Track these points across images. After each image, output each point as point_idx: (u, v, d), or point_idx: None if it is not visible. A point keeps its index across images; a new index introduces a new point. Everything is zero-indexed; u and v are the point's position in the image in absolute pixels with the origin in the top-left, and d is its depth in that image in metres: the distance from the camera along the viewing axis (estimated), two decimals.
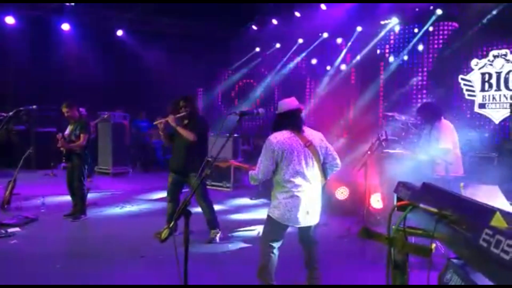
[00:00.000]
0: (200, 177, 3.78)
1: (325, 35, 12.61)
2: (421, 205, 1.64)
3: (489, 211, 1.37)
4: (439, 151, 5.65)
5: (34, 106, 6.99)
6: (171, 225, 2.79)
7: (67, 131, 6.97)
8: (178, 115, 5.75)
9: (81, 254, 5.32)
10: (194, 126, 5.71)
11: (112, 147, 11.50)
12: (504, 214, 1.35)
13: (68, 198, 7.17)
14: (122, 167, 11.80)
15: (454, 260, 2.16)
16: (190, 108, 5.81)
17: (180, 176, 5.90)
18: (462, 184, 2.42)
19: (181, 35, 13.30)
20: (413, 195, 1.96)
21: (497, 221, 1.32)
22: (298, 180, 3.78)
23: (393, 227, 1.77)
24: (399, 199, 2.15)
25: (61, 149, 6.79)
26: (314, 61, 13.33)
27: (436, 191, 1.83)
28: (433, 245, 1.65)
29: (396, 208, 1.84)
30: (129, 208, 7.86)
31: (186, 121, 5.84)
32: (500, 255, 1.21)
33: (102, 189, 9.50)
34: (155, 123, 5.91)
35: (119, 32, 13.02)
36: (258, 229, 6.38)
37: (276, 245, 3.91)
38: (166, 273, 4.61)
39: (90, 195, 7.61)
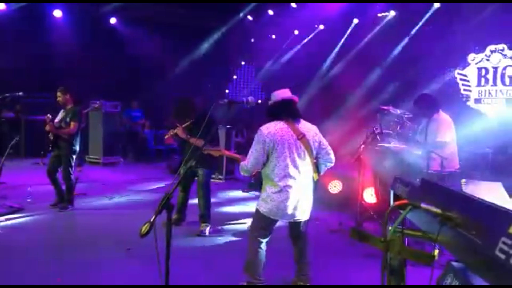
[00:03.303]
0: (186, 168, 3.65)
1: (321, 26, 12.36)
2: (423, 205, 1.43)
3: (506, 215, 1.14)
4: (435, 145, 5.48)
5: (20, 93, 6.76)
6: (152, 219, 2.58)
7: (57, 118, 6.75)
8: (185, 125, 5.71)
9: (65, 245, 5.13)
10: (200, 130, 5.49)
11: (103, 136, 11.27)
12: None
13: None
14: (113, 157, 11.56)
15: (454, 263, 1.96)
16: (194, 113, 5.76)
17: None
18: (463, 180, 2.23)
19: (175, 24, 12.98)
20: (411, 192, 1.74)
21: None
22: (288, 174, 3.63)
23: (390, 228, 1.57)
24: (395, 196, 1.95)
25: (49, 135, 6.58)
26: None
27: (437, 189, 1.62)
28: (436, 251, 1.45)
29: (394, 208, 1.63)
30: (119, 199, 7.66)
31: (191, 125, 5.75)
32: None
33: (92, 179, 9.27)
34: (166, 137, 5.98)
35: (113, 20, 12.70)
36: (249, 223, 6.18)
37: (264, 239, 3.77)
38: (152, 267, 4.40)
39: (79, 185, 7.40)
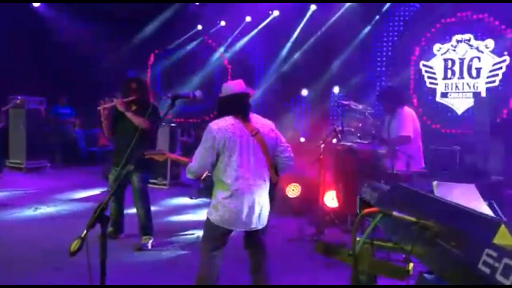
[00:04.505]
0: (121, 174, 3.50)
1: (276, 13, 12.41)
2: (395, 213, 1.40)
3: (490, 224, 1.13)
4: (400, 140, 5.61)
5: None
6: (83, 234, 2.45)
7: None
8: (127, 99, 5.46)
9: None
10: (145, 113, 5.27)
11: (26, 137, 10.84)
12: (511, 227, 1.11)
13: None
14: (38, 161, 11.17)
15: (427, 275, 1.98)
16: (142, 92, 5.58)
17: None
18: (435, 182, 2.25)
19: (110, 8, 12.65)
20: (381, 198, 1.73)
21: (503, 238, 1.08)
22: (241, 175, 3.55)
23: (358, 239, 1.54)
24: (363, 202, 1.94)
25: None
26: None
27: (410, 194, 1.61)
28: (411, 265, 1.43)
29: (362, 216, 1.61)
30: (45, 210, 7.37)
31: (135, 107, 5.56)
32: None
33: (13, 187, 8.92)
34: (99, 108, 5.51)
35: (36, 3, 12.23)
36: (198, 233, 6.15)
37: (218, 253, 3.67)
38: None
39: None
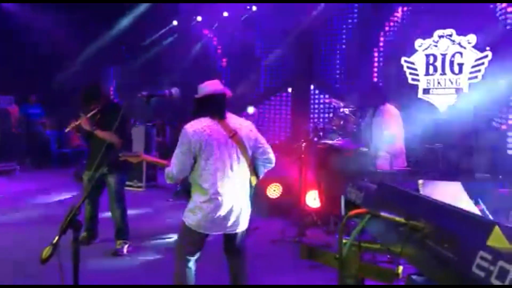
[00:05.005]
0: (94, 177, 3.47)
1: (254, 8, 12.40)
2: (383, 214, 1.39)
3: (484, 225, 1.11)
4: (383, 139, 5.64)
5: None
6: (54, 240, 2.40)
7: None
8: (90, 114, 5.50)
9: None
10: (110, 122, 5.23)
11: None
12: (504, 228, 1.10)
13: None
14: (6, 163, 11.02)
15: (415, 277, 1.97)
16: (97, 100, 5.59)
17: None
18: (420, 181, 2.25)
19: (81, 3, 12.50)
20: (367, 198, 1.72)
21: (497, 240, 1.06)
22: (219, 178, 3.52)
23: (345, 241, 1.51)
24: (348, 203, 1.92)
25: None
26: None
27: (398, 193, 1.59)
28: (401, 268, 1.42)
29: (349, 218, 1.58)
30: (14, 215, 7.28)
31: (98, 116, 5.57)
32: None
33: None
34: (67, 130, 5.72)
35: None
36: (175, 237, 6.08)
37: (193, 258, 3.65)
38: None
39: None
